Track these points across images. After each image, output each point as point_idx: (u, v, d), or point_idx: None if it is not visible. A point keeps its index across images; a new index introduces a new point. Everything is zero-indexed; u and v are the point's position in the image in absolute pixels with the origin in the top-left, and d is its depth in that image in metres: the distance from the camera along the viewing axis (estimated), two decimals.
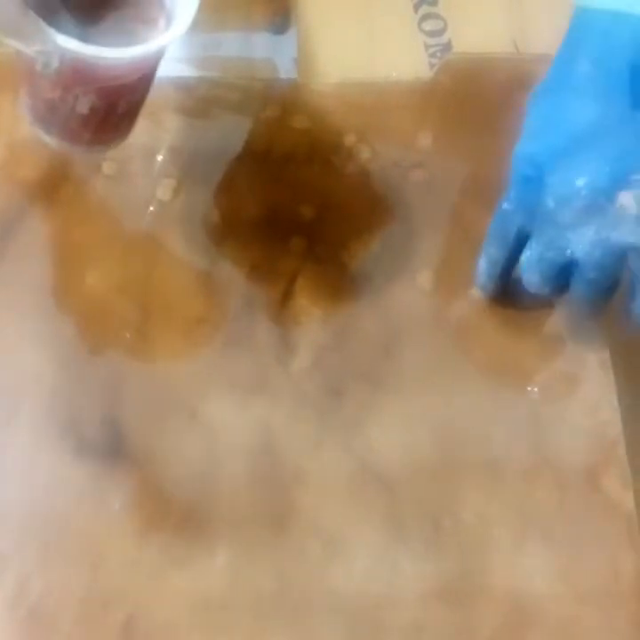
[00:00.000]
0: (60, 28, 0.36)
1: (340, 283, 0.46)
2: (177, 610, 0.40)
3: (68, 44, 0.35)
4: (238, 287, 0.46)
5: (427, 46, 0.52)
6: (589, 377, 0.45)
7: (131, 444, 0.43)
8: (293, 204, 0.47)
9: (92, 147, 0.42)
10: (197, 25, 0.51)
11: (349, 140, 0.48)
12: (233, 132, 0.49)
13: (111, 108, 0.40)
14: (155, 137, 0.48)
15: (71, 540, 0.41)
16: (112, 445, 0.43)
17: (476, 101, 0.49)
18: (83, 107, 0.39)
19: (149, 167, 0.48)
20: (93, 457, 0.43)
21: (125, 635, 0.40)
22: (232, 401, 0.44)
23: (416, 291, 0.46)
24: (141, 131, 0.46)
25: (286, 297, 0.46)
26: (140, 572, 0.41)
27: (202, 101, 0.50)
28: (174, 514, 0.42)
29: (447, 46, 0.52)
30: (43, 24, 0.35)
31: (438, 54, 0.52)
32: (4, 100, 0.48)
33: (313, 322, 0.45)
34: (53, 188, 0.47)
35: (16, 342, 0.44)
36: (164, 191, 0.47)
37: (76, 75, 0.37)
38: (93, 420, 0.43)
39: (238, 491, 0.42)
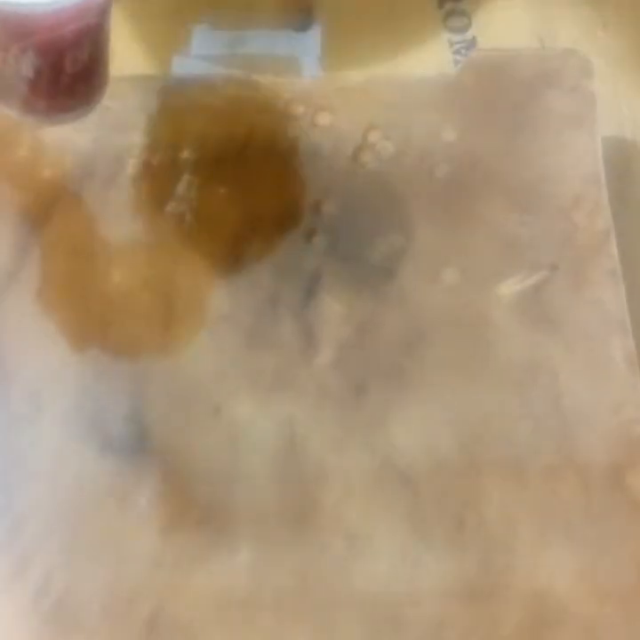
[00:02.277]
0: None
1: (363, 279, 0.46)
2: (200, 606, 0.40)
3: None
4: (261, 284, 0.46)
5: (451, 43, 0.52)
6: (615, 375, 0.44)
7: (155, 441, 0.43)
8: (316, 201, 0.47)
9: (53, 115, 0.40)
10: (224, 23, 0.51)
11: (373, 136, 0.48)
12: (257, 130, 0.49)
13: (57, 68, 0.38)
14: (178, 135, 0.48)
15: (95, 536, 0.41)
16: (137, 442, 0.43)
17: (501, 98, 0.49)
18: (27, 69, 0.37)
19: (173, 165, 0.48)
20: (118, 454, 0.43)
21: (149, 630, 0.40)
22: (255, 398, 0.44)
23: (440, 287, 0.45)
24: (165, 128, 0.47)
25: (309, 294, 0.46)
26: (163, 569, 0.41)
27: (225, 99, 0.50)
28: (197, 510, 0.42)
29: (472, 43, 0.52)
30: None
31: (463, 51, 0.52)
32: None
33: (336, 319, 0.45)
34: (77, 186, 0.48)
35: (40, 340, 0.45)
36: (187, 189, 0.47)
37: (5, 30, 0.35)
38: (118, 418, 0.43)
39: (261, 488, 0.42)
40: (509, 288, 0.45)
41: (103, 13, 0.38)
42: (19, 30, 0.36)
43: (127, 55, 0.51)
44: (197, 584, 0.41)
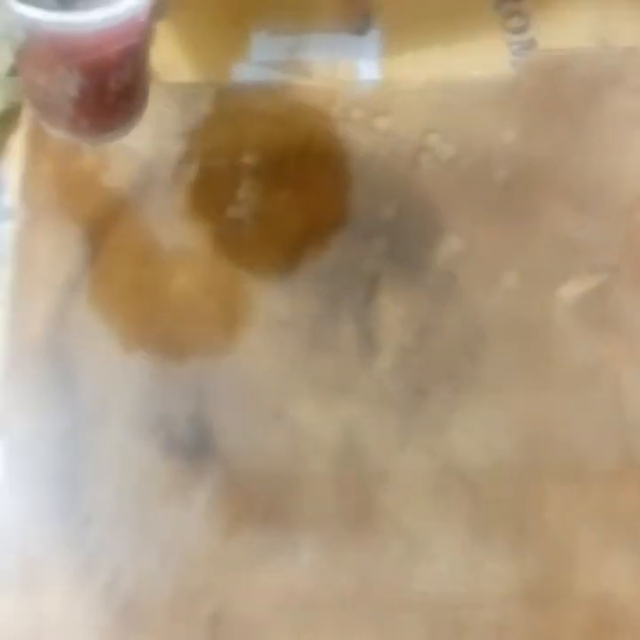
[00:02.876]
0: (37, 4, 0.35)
1: (423, 282, 0.46)
2: (262, 606, 0.41)
3: (32, 13, 0.34)
4: (321, 288, 0.46)
5: (510, 44, 0.52)
6: None
7: (217, 442, 0.44)
8: (375, 205, 0.47)
9: (96, 134, 0.41)
10: (282, 28, 0.52)
11: (432, 139, 0.48)
12: (316, 135, 0.49)
13: (101, 87, 0.38)
14: (238, 140, 0.49)
15: (160, 535, 0.42)
16: (199, 443, 0.44)
17: (561, 98, 0.48)
18: (72, 89, 0.38)
19: (233, 170, 0.49)
20: (181, 455, 0.44)
21: (213, 629, 0.41)
22: (316, 400, 0.44)
23: (500, 290, 0.45)
24: (225, 134, 0.47)
25: (369, 297, 0.46)
26: (226, 568, 0.42)
27: (285, 105, 0.50)
28: (259, 511, 0.42)
29: (531, 43, 0.52)
30: None
31: (522, 52, 0.51)
32: None
33: (396, 322, 0.45)
34: (140, 192, 0.49)
35: (105, 343, 0.46)
36: (248, 194, 0.48)
37: (54, 49, 0.36)
38: (181, 419, 0.44)
39: (322, 489, 0.43)
40: (570, 290, 0.45)
41: (145, 34, 0.39)
42: (66, 50, 0.36)
43: (187, 62, 0.51)
44: (260, 583, 0.41)
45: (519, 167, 0.47)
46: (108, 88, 0.39)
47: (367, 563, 0.41)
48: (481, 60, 0.51)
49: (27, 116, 0.51)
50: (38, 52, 0.36)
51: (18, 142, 0.52)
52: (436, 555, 0.41)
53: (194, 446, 0.44)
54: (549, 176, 0.47)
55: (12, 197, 0.50)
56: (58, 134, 0.41)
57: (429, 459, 0.43)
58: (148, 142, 0.49)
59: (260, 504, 0.43)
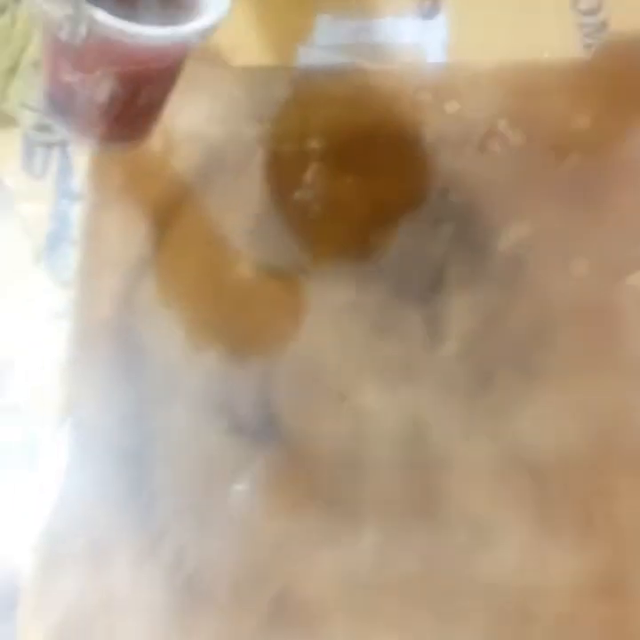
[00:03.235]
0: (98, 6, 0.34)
1: (491, 268, 0.45)
2: (325, 587, 0.41)
3: (98, 14, 0.34)
4: (388, 273, 0.46)
5: (580, 26, 0.51)
6: None
7: (282, 425, 0.44)
8: (443, 189, 0.47)
9: (106, 143, 0.40)
10: (347, 12, 0.51)
11: (502, 123, 0.47)
12: (384, 119, 0.49)
13: (131, 98, 0.38)
14: (306, 124, 0.49)
15: (225, 515, 0.43)
16: (264, 426, 0.44)
17: (635, 82, 0.47)
18: (102, 93, 0.37)
19: (301, 154, 0.48)
20: (246, 437, 0.44)
21: (276, 609, 0.41)
22: (381, 385, 0.44)
23: (570, 277, 0.45)
24: (293, 118, 0.47)
25: (435, 282, 0.45)
26: (289, 549, 0.42)
27: (352, 88, 0.50)
28: (323, 493, 0.43)
29: (602, 25, 0.50)
30: None
31: (594, 34, 0.50)
32: None
33: (462, 308, 0.45)
34: (209, 176, 0.49)
35: (173, 325, 0.46)
36: (315, 178, 0.48)
37: (101, 52, 0.35)
38: (246, 401, 0.44)
39: (385, 474, 0.43)
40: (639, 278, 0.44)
41: (185, 57, 0.39)
42: (112, 55, 0.36)
43: (254, 46, 0.51)
44: (323, 566, 0.41)
45: (591, 153, 0.46)
46: (137, 101, 0.39)
47: (430, 548, 0.41)
48: (551, 43, 0.50)
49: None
50: (82, 52, 0.36)
51: None
52: (500, 543, 0.41)
53: (258, 428, 0.44)
54: (622, 163, 0.46)
55: (81, 181, 0.51)
56: (63, 132, 0.41)
57: (495, 446, 0.42)
58: (217, 126, 0.49)
59: (324, 487, 0.43)
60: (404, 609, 0.41)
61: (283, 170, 0.48)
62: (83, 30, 0.34)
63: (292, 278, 0.46)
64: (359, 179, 0.48)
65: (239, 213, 0.48)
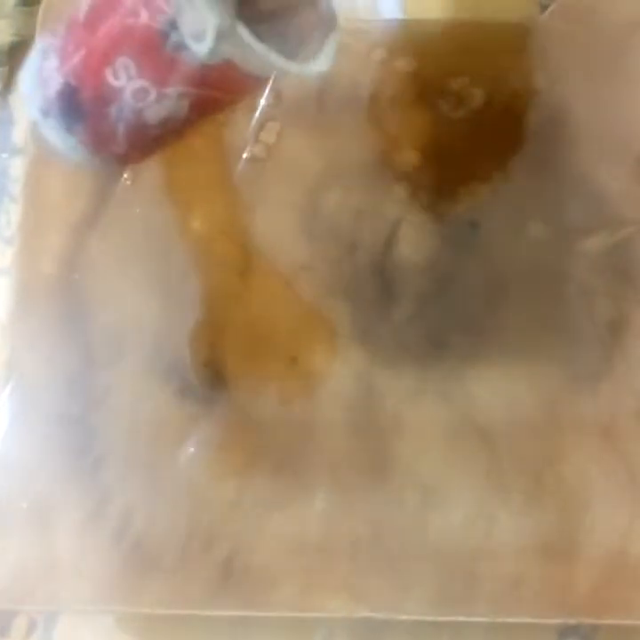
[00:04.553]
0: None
1: (446, 231, 0.45)
2: (274, 551, 0.41)
3: (246, 34, 0.29)
4: (341, 234, 0.45)
5: None
6: None
7: (231, 387, 0.43)
8: (398, 150, 0.46)
9: (113, 161, 0.34)
10: None
11: (459, 83, 0.47)
12: (337, 76, 0.48)
13: (185, 125, 0.33)
14: None
15: (173, 478, 0.42)
16: (213, 388, 0.43)
17: (594, 43, 0.47)
18: (159, 112, 0.31)
19: (254, 111, 0.47)
20: (194, 398, 0.43)
21: (225, 573, 0.41)
22: (332, 348, 0.44)
23: (525, 241, 0.44)
24: None
25: (389, 245, 0.45)
26: (238, 513, 0.42)
27: None
28: (272, 457, 0.42)
29: None
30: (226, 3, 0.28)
31: None
32: None
33: (416, 271, 0.44)
34: None
35: (120, 285, 0.45)
36: (268, 135, 0.47)
37: (201, 70, 0.30)
38: (195, 363, 0.44)
39: (337, 437, 0.42)
40: (596, 243, 0.44)
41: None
42: (211, 77, 0.31)
43: None
44: (273, 529, 0.41)
45: (550, 115, 0.46)
46: (186, 129, 0.33)
47: (381, 511, 0.41)
48: (508, 2, 0.50)
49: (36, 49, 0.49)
50: (174, 64, 0.30)
51: None
52: (451, 505, 0.41)
53: (207, 390, 0.43)
54: (581, 125, 0.45)
55: (22, 133, 0.49)
56: (59, 138, 0.33)
57: (446, 409, 0.42)
58: None
59: (274, 450, 0.42)
60: (354, 572, 0.41)
61: (235, 129, 0.47)
62: (218, 47, 0.29)
63: (243, 237, 0.45)
64: (312, 137, 0.47)
65: (190, 170, 0.46)
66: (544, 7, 0.49)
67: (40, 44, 0.33)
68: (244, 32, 0.29)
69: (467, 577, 0.40)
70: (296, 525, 0.41)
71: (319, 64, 0.32)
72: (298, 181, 0.46)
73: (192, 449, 0.42)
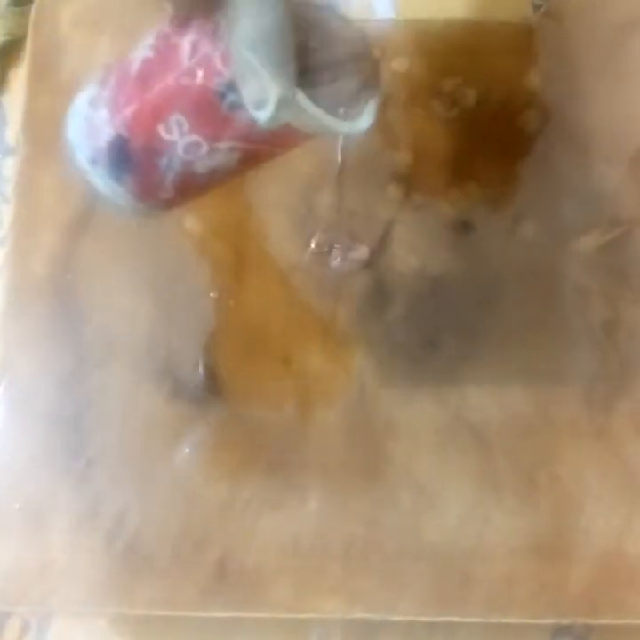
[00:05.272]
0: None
1: (438, 231, 0.45)
2: (268, 552, 0.41)
3: (305, 102, 0.29)
4: (333, 234, 0.45)
5: None
6: None
7: (224, 388, 0.43)
8: (391, 150, 0.46)
9: (152, 208, 0.34)
10: None
11: (452, 83, 0.47)
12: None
13: (232, 175, 0.33)
14: None
15: (166, 479, 0.42)
16: (206, 389, 0.43)
17: (587, 43, 0.47)
18: (207, 164, 0.32)
19: None
20: (187, 399, 0.43)
21: (218, 574, 0.41)
22: (326, 348, 0.44)
23: (517, 241, 0.44)
24: None
25: (382, 245, 0.45)
26: (232, 514, 0.41)
27: None
28: (266, 457, 0.42)
29: None
30: (292, 68, 0.29)
31: None
32: (104, 42, 0.48)
33: (409, 271, 0.44)
34: None
35: (112, 285, 0.45)
36: None
37: (257, 129, 0.30)
38: (188, 364, 0.43)
39: (330, 438, 0.42)
40: (588, 242, 0.44)
41: None
42: (265, 135, 0.30)
43: None
44: (266, 530, 0.41)
45: (543, 115, 0.46)
46: (233, 178, 0.33)
47: (374, 512, 0.41)
48: (501, 3, 0.50)
49: (29, 49, 0.49)
50: (230, 123, 0.31)
51: (20, 76, 0.50)
52: (444, 506, 0.41)
53: (200, 391, 0.43)
54: (574, 125, 0.45)
55: (15, 133, 0.49)
56: (105, 186, 0.33)
57: (439, 410, 0.42)
58: None
59: (267, 451, 0.42)
60: (347, 573, 0.41)
61: None
62: (278, 114, 0.29)
63: (235, 237, 0.45)
64: None
65: None
66: (537, 7, 0.49)
67: (87, 94, 0.33)
68: (302, 99, 0.29)
69: (461, 577, 0.40)
70: (290, 526, 0.41)
71: (364, 122, 0.32)
72: (291, 182, 0.46)
73: (185, 449, 0.42)
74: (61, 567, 0.41)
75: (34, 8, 0.49)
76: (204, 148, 0.31)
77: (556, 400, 0.42)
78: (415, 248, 0.45)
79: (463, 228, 0.45)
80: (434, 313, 0.44)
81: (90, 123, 0.33)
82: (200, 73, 0.30)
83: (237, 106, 0.30)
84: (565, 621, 0.41)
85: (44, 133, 0.47)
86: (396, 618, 0.40)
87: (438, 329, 0.44)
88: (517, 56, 0.47)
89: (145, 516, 0.41)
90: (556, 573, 0.40)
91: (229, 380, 0.43)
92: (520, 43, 0.47)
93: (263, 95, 0.29)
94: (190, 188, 0.33)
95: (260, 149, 0.32)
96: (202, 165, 0.32)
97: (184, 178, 0.32)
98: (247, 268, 0.45)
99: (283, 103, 0.29)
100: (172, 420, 0.43)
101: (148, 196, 0.33)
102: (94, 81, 0.33)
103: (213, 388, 0.43)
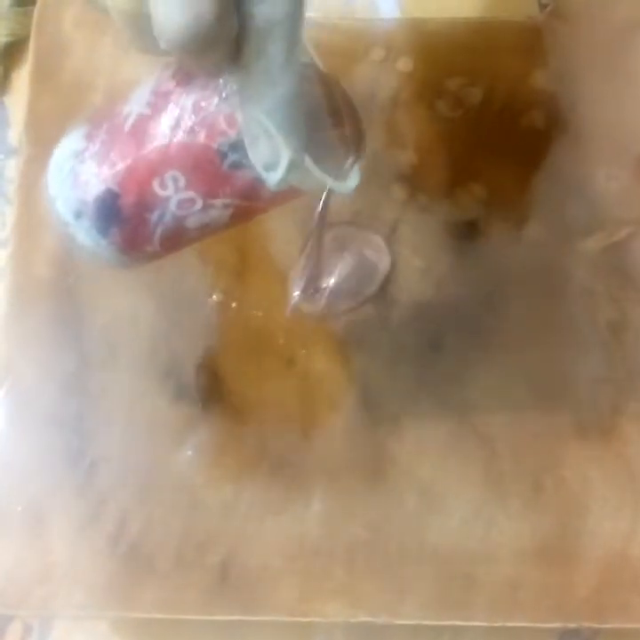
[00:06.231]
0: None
1: (443, 232, 0.44)
2: (271, 555, 0.41)
3: (311, 166, 0.29)
4: (337, 234, 0.45)
5: None
6: None
7: (228, 390, 0.43)
8: (396, 150, 0.46)
9: (140, 260, 0.34)
10: None
11: (457, 82, 0.46)
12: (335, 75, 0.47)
13: (222, 229, 0.32)
14: None
15: (169, 481, 0.42)
16: (210, 391, 0.43)
17: (593, 42, 0.46)
18: (199, 219, 0.31)
19: None
20: (191, 400, 0.43)
21: (221, 577, 0.40)
22: (330, 350, 0.43)
23: (523, 242, 0.44)
24: None
25: (387, 246, 0.44)
26: (235, 516, 0.41)
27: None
28: (269, 460, 0.42)
29: None
30: (303, 132, 0.29)
31: None
32: (107, 43, 0.47)
33: (414, 273, 0.44)
34: None
35: (115, 287, 0.45)
36: None
37: (254, 188, 0.30)
38: (191, 365, 0.43)
39: (334, 440, 0.42)
40: (595, 244, 0.44)
41: None
42: (262, 193, 0.30)
43: None
44: (269, 532, 0.41)
45: (548, 115, 0.46)
46: (222, 231, 0.33)
47: (379, 514, 0.41)
48: (507, 2, 0.49)
49: (32, 50, 0.49)
50: (229, 180, 0.30)
51: (22, 76, 0.50)
52: (449, 509, 0.41)
53: (204, 393, 0.43)
54: (579, 125, 0.45)
55: (17, 134, 0.49)
56: (88, 238, 0.32)
57: (444, 413, 0.42)
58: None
59: (271, 452, 0.42)
60: (351, 575, 0.40)
61: None
62: (287, 176, 0.29)
63: (239, 239, 0.45)
64: None
65: None
66: (543, 6, 0.49)
67: (70, 146, 0.32)
68: (309, 162, 0.30)
69: (465, 581, 0.40)
70: (293, 529, 0.41)
71: (352, 181, 0.32)
72: None
73: (188, 452, 0.42)
74: (63, 570, 0.41)
75: (36, 8, 0.49)
76: (199, 204, 0.31)
77: (561, 402, 0.42)
78: (419, 249, 0.44)
79: (468, 228, 0.44)
80: (438, 314, 0.44)
81: (76, 176, 0.32)
82: (202, 132, 0.30)
83: (239, 165, 0.30)
84: (571, 625, 0.40)
85: (46, 134, 0.47)
86: (400, 621, 0.40)
87: (442, 330, 0.43)
88: (523, 55, 0.46)
89: (147, 518, 0.41)
90: (561, 577, 0.39)
91: (232, 382, 0.43)
92: (526, 42, 0.47)
93: (274, 158, 0.29)
94: (177, 242, 0.33)
95: (254, 206, 0.32)
96: (193, 220, 0.31)
97: (173, 233, 0.32)
98: (250, 270, 0.45)
99: (293, 166, 0.29)
100: (174, 422, 0.43)
101: (132, 249, 0.33)
102: (77, 133, 0.32)
103: (216, 390, 0.43)
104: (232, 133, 0.29)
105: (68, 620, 0.43)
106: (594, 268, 0.43)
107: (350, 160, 0.33)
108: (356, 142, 0.33)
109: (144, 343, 0.44)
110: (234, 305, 0.44)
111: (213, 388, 0.43)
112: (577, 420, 0.42)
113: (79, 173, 0.31)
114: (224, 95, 0.29)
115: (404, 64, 0.47)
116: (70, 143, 0.32)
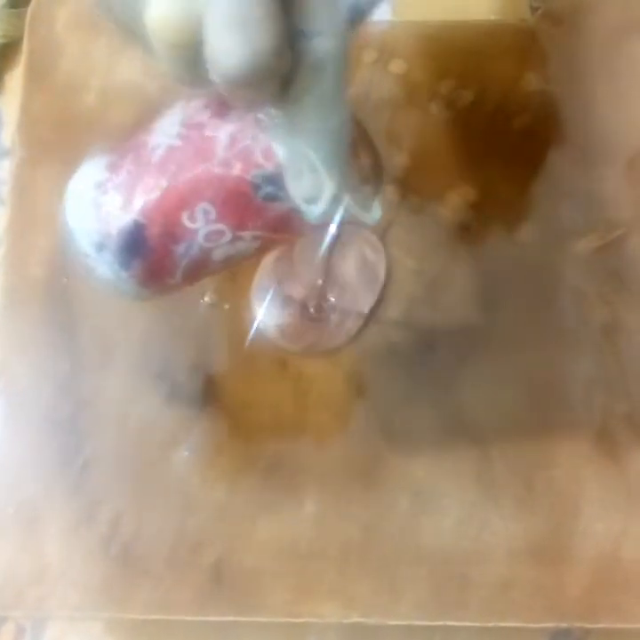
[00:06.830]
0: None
1: (435, 234, 0.45)
2: (264, 556, 0.41)
3: (349, 202, 0.29)
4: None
5: None
6: None
7: (221, 391, 0.43)
8: (388, 152, 0.46)
9: (161, 292, 0.33)
10: None
11: (449, 84, 0.46)
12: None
13: (246, 260, 0.32)
14: None
15: (162, 482, 0.42)
16: (203, 391, 0.43)
17: (583, 46, 0.47)
18: (226, 251, 0.30)
19: None
20: (184, 402, 0.43)
21: (214, 578, 0.41)
22: (322, 352, 0.43)
23: (515, 243, 0.44)
24: None
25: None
26: (228, 517, 0.41)
27: None
28: (263, 461, 0.42)
29: None
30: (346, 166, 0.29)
31: None
32: (100, 44, 0.47)
33: (406, 274, 0.44)
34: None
35: None
36: None
37: (285, 220, 0.30)
38: (184, 367, 0.43)
39: (327, 442, 0.42)
40: (586, 245, 0.44)
41: None
42: (292, 224, 0.30)
43: None
44: (262, 533, 0.41)
45: (539, 117, 0.46)
46: (242, 262, 0.32)
47: (372, 515, 0.41)
48: (498, 4, 0.49)
49: (25, 51, 0.49)
50: (261, 213, 0.30)
51: (16, 77, 0.50)
52: (442, 509, 0.41)
53: (197, 395, 0.43)
54: (570, 126, 0.45)
55: (10, 135, 0.49)
56: (112, 272, 0.31)
57: (436, 413, 0.42)
58: (154, 79, 0.47)
59: (264, 453, 0.42)
60: (344, 576, 0.40)
61: None
62: (329, 210, 0.29)
63: None
64: None
65: None
66: (534, 9, 0.49)
67: (92, 176, 0.31)
68: (347, 195, 0.29)
69: (458, 581, 0.40)
70: (287, 529, 0.41)
71: (377, 212, 0.32)
72: None
73: (182, 453, 0.42)
74: (56, 571, 0.41)
75: (30, 10, 0.49)
76: (228, 236, 0.30)
77: (554, 403, 0.42)
78: (413, 250, 0.44)
79: (460, 230, 0.45)
80: (431, 315, 0.44)
81: (98, 207, 0.31)
82: (238, 165, 0.29)
83: (273, 198, 0.29)
84: (563, 625, 0.41)
85: (40, 135, 0.47)
86: (393, 622, 0.40)
87: (435, 331, 0.44)
88: (515, 58, 0.47)
89: (141, 519, 0.41)
90: (553, 577, 0.40)
91: (225, 384, 0.43)
92: (517, 45, 0.47)
93: (316, 191, 0.29)
94: (199, 274, 0.32)
95: (281, 238, 0.31)
96: (220, 253, 0.31)
97: (197, 265, 0.31)
98: (243, 271, 0.45)
99: (335, 200, 0.29)
100: (168, 423, 0.43)
101: (153, 282, 0.32)
102: (97, 163, 0.31)
103: (210, 391, 0.43)
104: (269, 166, 0.29)
105: (61, 621, 0.43)
106: (586, 269, 0.43)
107: (371, 190, 0.33)
108: (375, 173, 0.33)
109: (137, 344, 0.44)
110: (226, 306, 0.44)
111: (206, 390, 0.43)
112: (569, 421, 0.42)
113: (101, 205, 0.30)
114: (263, 128, 0.29)
115: (397, 66, 0.47)
116: (90, 174, 0.31)
